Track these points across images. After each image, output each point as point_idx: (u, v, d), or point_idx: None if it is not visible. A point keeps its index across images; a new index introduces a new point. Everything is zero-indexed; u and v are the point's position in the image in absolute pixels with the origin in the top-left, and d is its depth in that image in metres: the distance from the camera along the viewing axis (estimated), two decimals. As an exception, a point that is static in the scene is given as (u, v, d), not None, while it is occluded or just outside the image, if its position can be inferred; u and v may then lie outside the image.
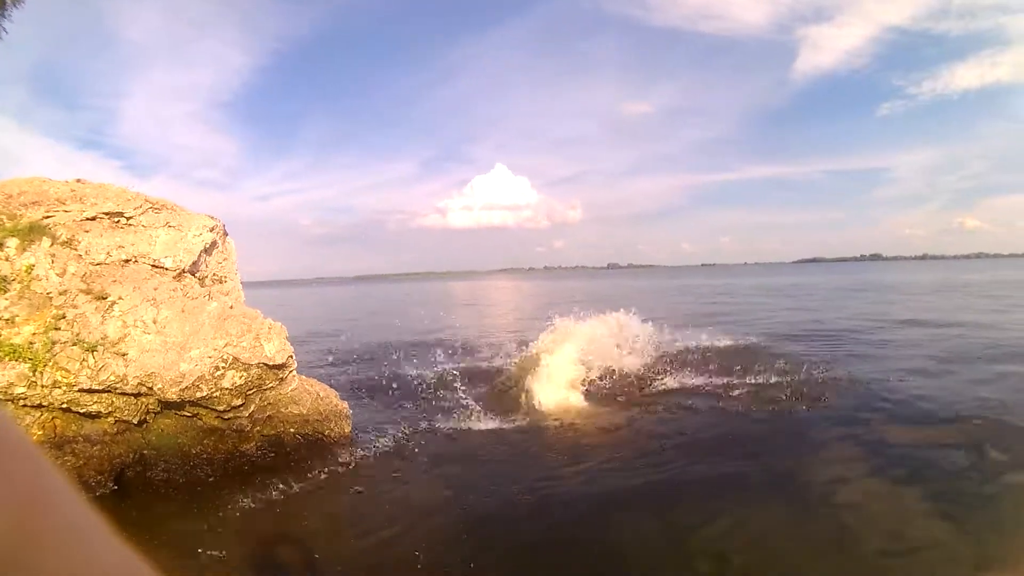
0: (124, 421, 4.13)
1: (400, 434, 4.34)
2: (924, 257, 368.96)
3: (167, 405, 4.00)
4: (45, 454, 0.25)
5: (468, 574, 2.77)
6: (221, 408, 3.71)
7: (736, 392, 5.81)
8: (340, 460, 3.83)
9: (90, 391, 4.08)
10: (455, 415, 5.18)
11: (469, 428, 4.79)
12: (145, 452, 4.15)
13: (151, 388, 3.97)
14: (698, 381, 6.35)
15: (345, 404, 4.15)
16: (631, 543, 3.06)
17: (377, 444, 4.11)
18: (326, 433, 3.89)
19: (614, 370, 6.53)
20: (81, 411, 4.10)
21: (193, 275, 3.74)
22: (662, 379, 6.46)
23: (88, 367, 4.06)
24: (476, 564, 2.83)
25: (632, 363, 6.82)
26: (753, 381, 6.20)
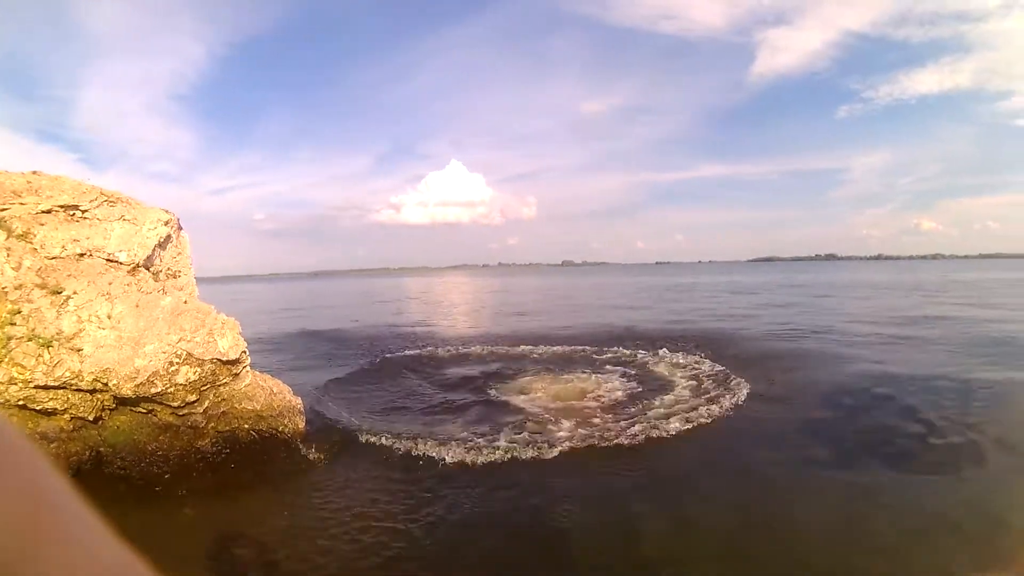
0: (80, 418, 4.12)
1: (356, 431, 4.35)
2: (879, 257, 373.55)
3: (122, 401, 4.00)
4: (44, 454, 0.26)
5: (418, 569, 2.76)
6: (176, 404, 3.71)
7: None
8: (294, 457, 3.85)
9: (46, 387, 4.07)
10: (413, 414, 5.22)
11: (426, 426, 4.80)
12: (101, 449, 4.14)
13: (106, 384, 3.97)
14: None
15: (299, 400, 4.16)
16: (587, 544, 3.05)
17: (331, 441, 4.11)
18: (280, 429, 3.89)
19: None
20: (37, 408, 4.09)
21: (147, 269, 3.73)
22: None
23: (44, 363, 4.05)
24: (423, 562, 2.82)
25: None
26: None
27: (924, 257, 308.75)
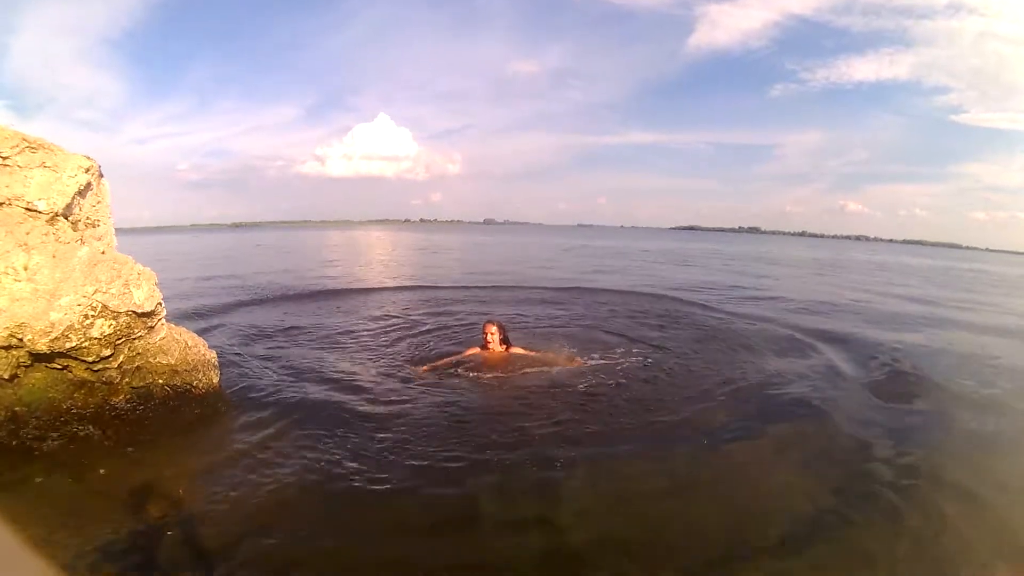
0: (-4, 376, 4.04)
1: (272, 386, 4.32)
2: (803, 234, 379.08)
3: (37, 357, 3.96)
4: None
5: (327, 532, 2.79)
6: (91, 359, 3.66)
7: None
8: (208, 412, 3.82)
9: (-38, 345, 3.99)
10: (334, 370, 5.22)
11: (347, 383, 4.79)
12: (17, 409, 4.09)
13: (21, 339, 3.92)
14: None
15: (213, 353, 4.14)
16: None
17: (246, 396, 4.08)
18: (194, 384, 3.86)
19: None
20: (-49, 366, 4.00)
21: (66, 218, 3.71)
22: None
23: (-40, 318, 3.97)
24: (335, 524, 2.80)
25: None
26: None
27: (848, 237, 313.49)
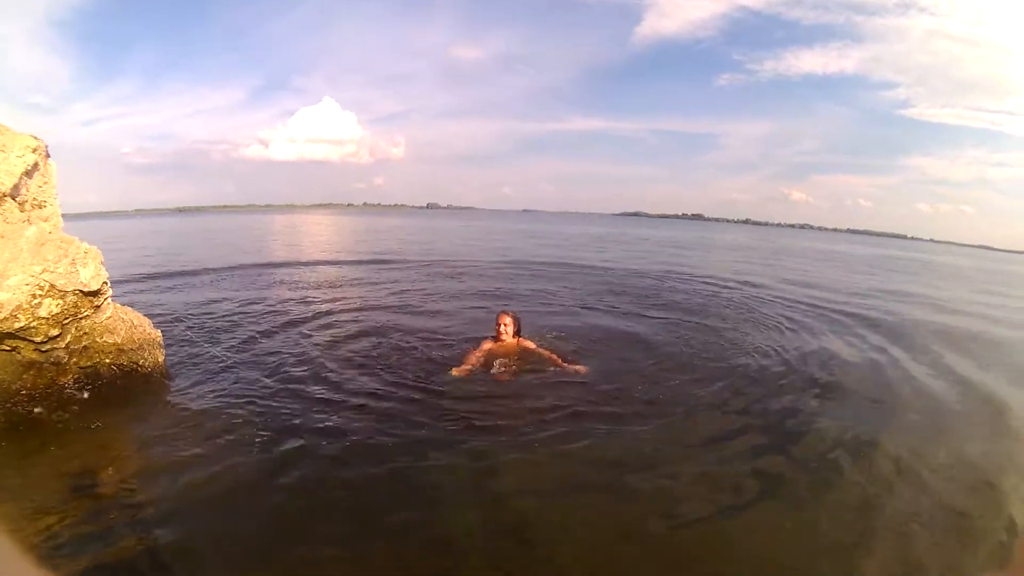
0: (-54, 358, 4.11)
1: (218, 365, 4.39)
2: (747, 222, 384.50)
3: (-13, 338, 3.98)
4: None
5: (276, 515, 2.86)
6: (39, 340, 3.74)
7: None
8: (155, 391, 3.90)
9: (-86, 326, 4.05)
10: (282, 346, 5.27)
11: (297, 359, 4.88)
12: (-32, 391, 4.13)
13: (-29, 320, 3.95)
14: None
15: (158, 332, 4.23)
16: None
17: (192, 375, 4.15)
18: (140, 363, 3.95)
19: None
20: (-98, 349, 4.06)
21: (14, 199, 3.75)
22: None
23: (-89, 300, 4.02)
24: (282, 507, 2.92)
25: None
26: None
27: (792, 226, 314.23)
